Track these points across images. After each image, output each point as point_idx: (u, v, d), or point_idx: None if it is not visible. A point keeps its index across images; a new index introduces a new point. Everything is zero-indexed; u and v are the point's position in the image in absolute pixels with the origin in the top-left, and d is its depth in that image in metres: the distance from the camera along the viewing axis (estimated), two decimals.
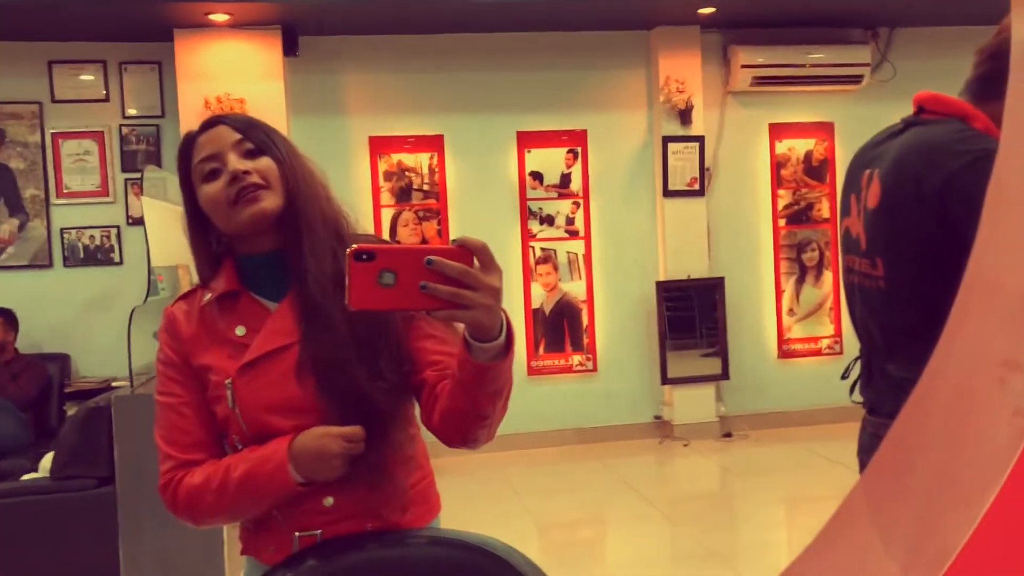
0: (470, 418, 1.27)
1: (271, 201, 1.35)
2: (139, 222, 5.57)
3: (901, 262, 1.62)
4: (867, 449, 1.81)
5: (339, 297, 1.16)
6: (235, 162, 1.35)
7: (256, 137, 1.38)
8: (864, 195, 1.68)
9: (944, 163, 1.53)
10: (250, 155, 1.36)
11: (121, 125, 5.76)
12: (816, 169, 6.46)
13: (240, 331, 1.37)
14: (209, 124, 1.40)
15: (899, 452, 0.65)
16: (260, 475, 1.30)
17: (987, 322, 0.64)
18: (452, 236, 5.81)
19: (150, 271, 4.08)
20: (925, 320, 1.58)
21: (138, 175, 5.63)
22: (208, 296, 1.40)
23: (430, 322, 1.34)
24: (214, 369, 1.37)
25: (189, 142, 1.40)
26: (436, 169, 6.04)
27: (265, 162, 1.36)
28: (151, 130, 5.78)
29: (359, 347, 1.32)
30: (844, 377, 1.85)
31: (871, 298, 1.70)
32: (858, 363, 1.81)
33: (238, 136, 1.36)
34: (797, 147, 6.44)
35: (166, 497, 1.38)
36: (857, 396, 1.81)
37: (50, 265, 5.69)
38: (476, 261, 1.10)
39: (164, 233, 4.42)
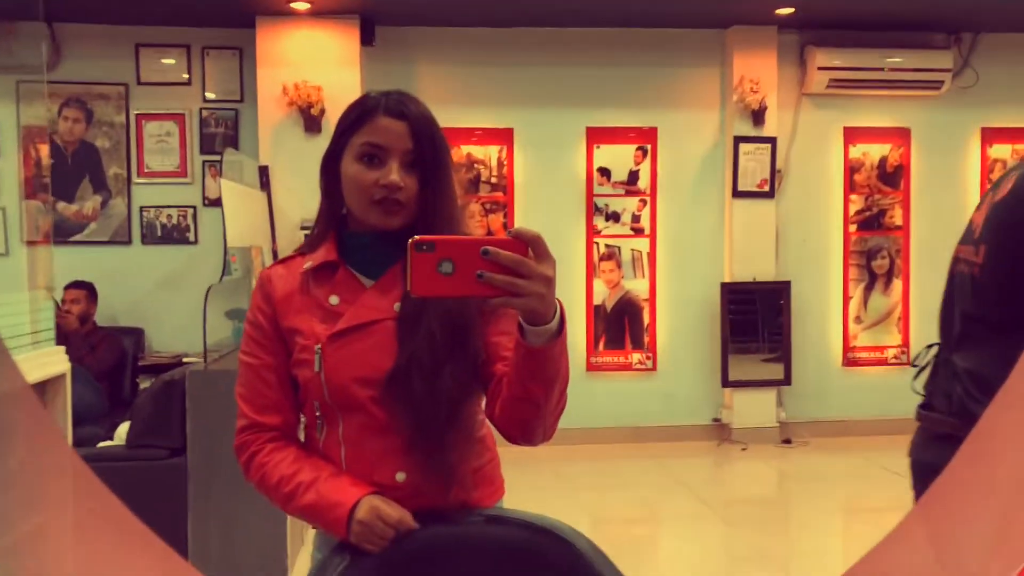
0: (523, 405, 1.30)
1: (402, 219, 1.40)
2: (215, 203, 5.73)
3: (1002, 252, 1.65)
4: (918, 447, 1.80)
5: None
6: (395, 172, 1.38)
7: (424, 155, 1.40)
8: (999, 190, 1.72)
9: None
10: (409, 167, 1.39)
11: (201, 108, 5.92)
12: (891, 175, 6.34)
13: (334, 300, 1.42)
14: (395, 111, 1.39)
15: (983, 449, 0.66)
16: (320, 515, 1.39)
17: None
18: None
19: (226, 251, 4.19)
20: (1007, 313, 1.63)
21: (215, 157, 5.79)
22: (308, 264, 1.45)
23: (509, 320, 1.37)
24: (303, 332, 1.42)
25: (368, 111, 1.41)
26: (505, 162, 6.08)
27: (414, 182, 1.40)
28: (230, 114, 5.93)
29: (448, 333, 1.37)
30: (914, 364, 1.89)
31: (963, 284, 1.73)
32: (929, 353, 1.84)
33: (411, 146, 1.39)
34: (872, 152, 6.32)
35: (239, 459, 1.47)
36: (919, 385, 1.84)
37: (129, 242, 5.89)
38: (530, 251, 1.15)
39: (239, 215, 4.54)
